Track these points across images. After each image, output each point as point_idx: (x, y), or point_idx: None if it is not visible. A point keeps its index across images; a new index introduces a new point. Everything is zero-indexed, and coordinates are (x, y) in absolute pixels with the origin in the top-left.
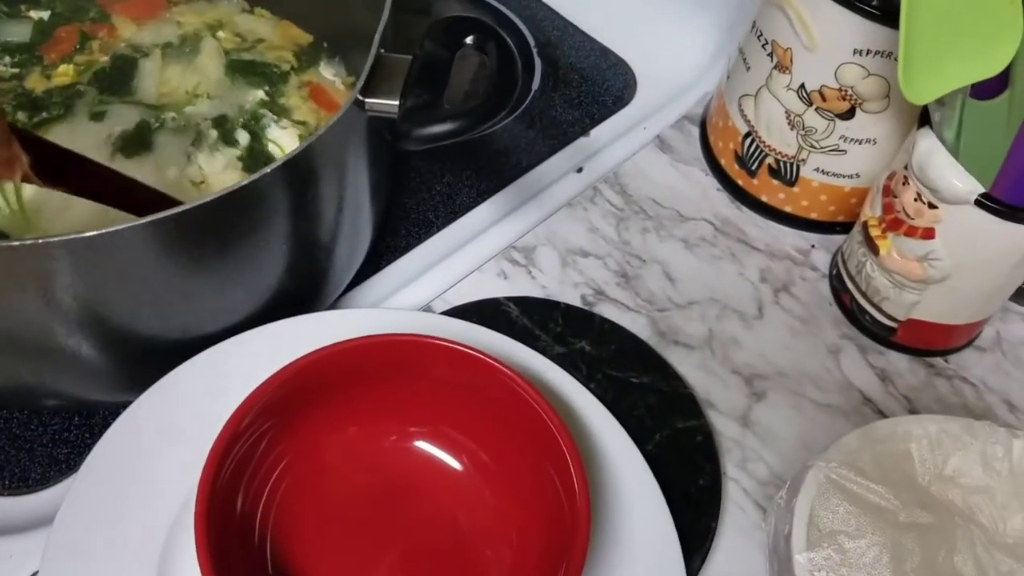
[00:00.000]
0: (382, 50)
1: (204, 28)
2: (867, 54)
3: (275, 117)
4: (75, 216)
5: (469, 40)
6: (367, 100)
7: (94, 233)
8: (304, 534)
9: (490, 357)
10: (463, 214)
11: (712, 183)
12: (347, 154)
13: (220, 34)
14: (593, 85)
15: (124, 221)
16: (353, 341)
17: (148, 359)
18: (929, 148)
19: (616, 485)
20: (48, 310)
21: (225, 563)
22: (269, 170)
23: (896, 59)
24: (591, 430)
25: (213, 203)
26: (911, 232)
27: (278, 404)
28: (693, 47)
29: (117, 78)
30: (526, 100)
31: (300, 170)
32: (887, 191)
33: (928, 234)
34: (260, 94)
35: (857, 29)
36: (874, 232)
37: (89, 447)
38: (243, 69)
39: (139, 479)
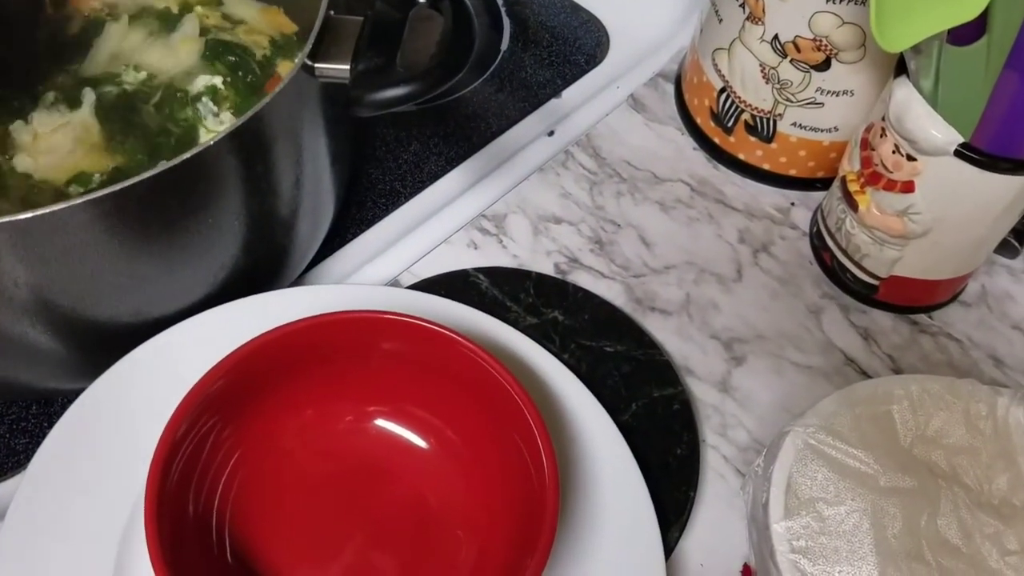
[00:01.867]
0: (331, 12)
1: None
2: (841, 1)
3: (214, 108)
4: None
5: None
6: (317, 65)
7: (30, 215)
8: (264, 524)
9: (448, 329)
10: (431, 183)
11: (688, 142)
12: (300, 123)
13: (200, 9)
14: (564, 44)
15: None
16: (301, 322)
17: (102, 344)
18: (906, 98)
19: (589, 458)
20: None
21: (180, 561)
22: (213, 141)
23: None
24: (563, 402)
25: (156, 178)
26: (890, 186)
27: (223, 395)
28: (667, 4)
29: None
30: (495, 62)
31: (248, 140)
32: (865, 144)
33: (907, 187)
34: (216, 81)
35: None
36: (852, 187)
37: (46, 436)
38: (219, 52)
39: (94, 468)
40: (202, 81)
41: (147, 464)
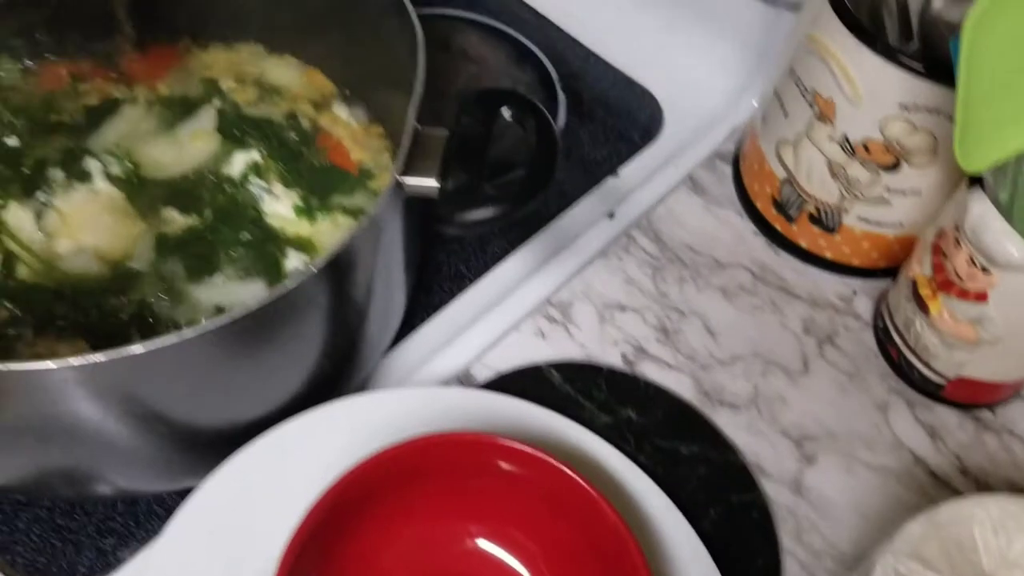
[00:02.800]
0: (418, 125)
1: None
2: (914, 109)
3: (264, 184)
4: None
5: (505, 112)
6: (406, 181)
7: (143, 349)
8: None
9: (553, 457)
10: (495, 265)
11: (748, 226)
12: (385, 235)
13: (229, 84)
14: (619, 118)
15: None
16: (406, 444)
17: (194, 449)
18: (983, 213)
19: (672, 567)
20: (98, 414)
21: None
22: (311, 273)
23: (945, 116)
24: (645, 510)
25: (256, 311)
26: (963, 295)
27: (329, 518)
28: (719, 77)
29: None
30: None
31: (341, 262)
32: (937, 251)
33: (981, 297)
34: (254, 156)
35: (903, 84)
36: (924, 291)
37: (134, 536)
38: (243, 129)
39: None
40: (240, 161)
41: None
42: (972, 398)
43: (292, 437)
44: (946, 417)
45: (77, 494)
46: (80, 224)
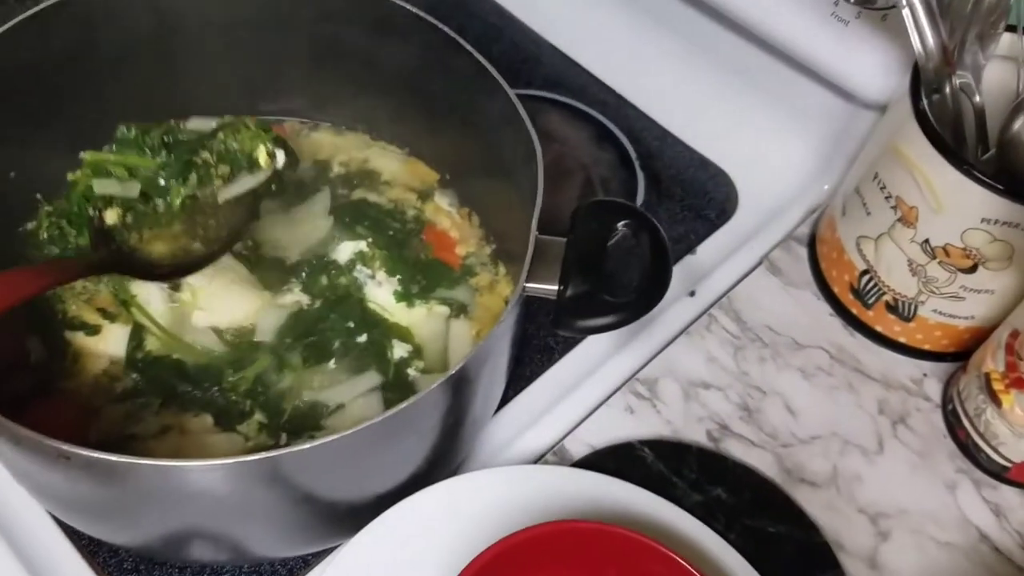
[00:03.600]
0: (538, 232)
1: (319, 172)
2: (995, 223)
3: (369, 272)
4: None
5: (621, 227)
6: (528, 285)
7: (305, 448)
8: None
9: (680, 556)
10: (582, 339)
11: (824, 308)
12: (504, 336)
13: (336, 169)
14: (695, 197)
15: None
16: (538, 528)
17: (321, 523)
18: None
19: None
20: (249, 497)
21: None
22: (435, 386)
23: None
24: None
25: (386, 420)
26: None
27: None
28: (795, 162)
29: None
30: None
31: (469, 370)
32: (1010, 350)
33: None
34: (362, 246)
35: (985, 200)
36: (997, 386)
37: None
38: (356, 216)
39: None
40: (348, 249)
41: None
42: None
43: (413, 514)
44: (1010, 496)
45: (209, 560)
46: (209, 296)
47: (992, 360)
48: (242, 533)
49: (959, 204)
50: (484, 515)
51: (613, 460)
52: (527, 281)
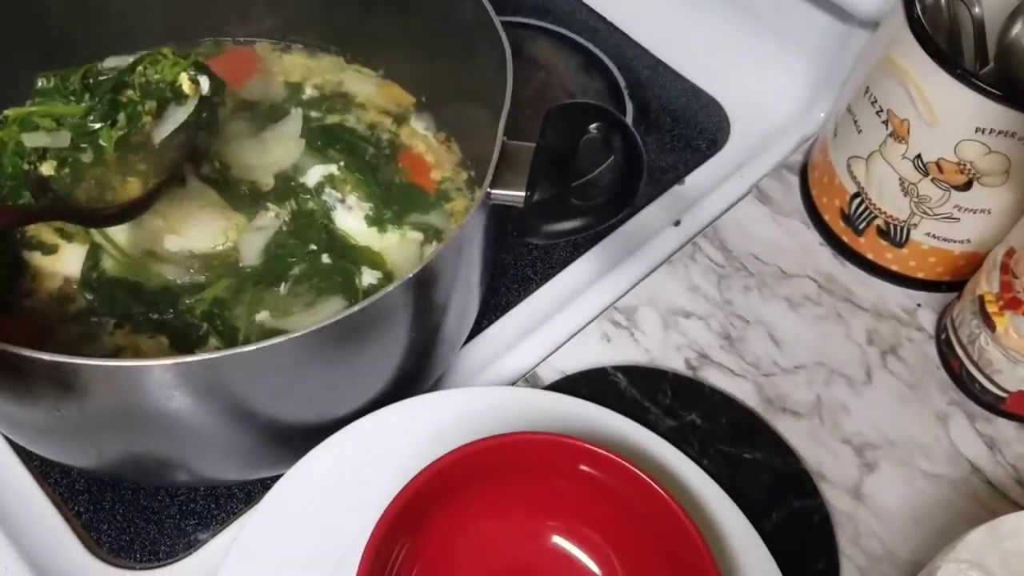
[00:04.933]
0: (505, 138)
1: (292, 95)
2: (990, 132)
3: (339, 196)
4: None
5: (593, 128)
6: (493, 192)
7: (247, 349)
8: None
9: (635, 465)
10: (561, 269)
11: (814, 237)
12: (468, 248)
13: (309, 91)
14: (686, 127)
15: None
16: (495, 439)
17: (280, 443)
18: None
19: (736, 568)
20: (193, 410)
21: None
22: (399, 284)
23: (1020, 138)
24: (709, 512)
25: (343, 319)
26: None
27: (415, 506)
28: (788, 90)
29: None
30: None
31: (427, 276)
32: (1005, 269)
33: None
34: (332, 170)
35: (980, 108)
36: (991, 308)
37: (215, 518)
38: (328, 140)
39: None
40: (317, 172)
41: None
42: None
43: (372, 431)
44: (1006, 430)
45: (164, 481)
46: (180, 220)
47: (986, 282)
48: (195, 452)
49: (952, 114)
50: (446, 435)
51: (585, 385)
52: (493, 187)
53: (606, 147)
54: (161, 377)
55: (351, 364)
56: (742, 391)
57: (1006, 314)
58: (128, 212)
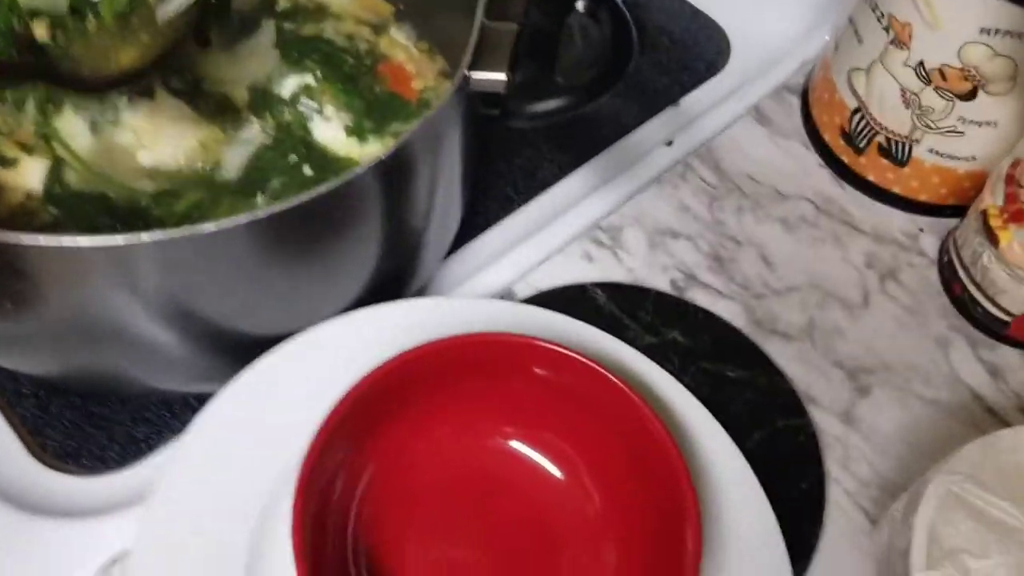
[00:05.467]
0: (485, 19)
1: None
2: (995, 34)
3: (316, 106)
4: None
5: (579, 6)
6: (473, 75)
7: (184, 233)
8: (392, 533)
9: (596, 363)
10: (544, 190)
11: (813, 159)
12: (448, 133)
13: (282, 3)
14: (684, 50)
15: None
16: (451, 339)
17: (233, 354)
18: None
19: (713, 483)
20: (134, 306)
21: (317, 558)
22: (365, 168)
23: None
24: (687, 427)
25: (307, 204)
26: None
27: (367, 405)
28: (791, 10)
29: None
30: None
31: (398, 158)
32: (1011, 180)
33: None
34: (307, 80)
35: (985, 7)
36: (994, 222)
37: (168, 427)
38: (303, 51)
39: (231, 463)
40: (292, 83)
41: (279, 462)
42: None
43: (332, 338)
44: (1009, 357)
45: (110, 388)
46: (152, 134)
47: (991, 195)
48: (145, 355)
49: (956, 14)
50: (410, 344)
51: (562, 301)
52: (473, 69)
53: (595, 25)
54: (109, 259)
55: (320, 259)
56: (730, 312)
57: (1010, 227)
58: (113, 82)
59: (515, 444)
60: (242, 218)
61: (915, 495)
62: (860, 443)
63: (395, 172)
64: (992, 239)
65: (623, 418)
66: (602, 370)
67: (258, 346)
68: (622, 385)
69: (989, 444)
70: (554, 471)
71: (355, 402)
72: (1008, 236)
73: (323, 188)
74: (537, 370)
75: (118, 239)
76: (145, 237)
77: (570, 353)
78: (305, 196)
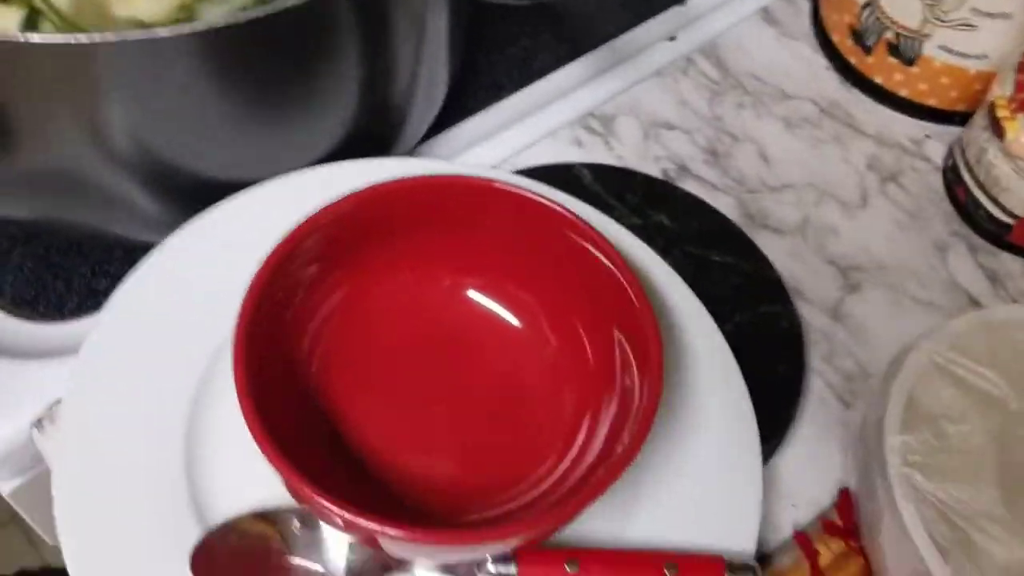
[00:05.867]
0: None
1: None
2: None
3: None
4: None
5: None
6: None
7: (136, 37)
8: (348, 377)
9: (560, 206)
10: (540, 78)
11: (821, 61)
12: None
13: None
14: None
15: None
16: (403, 180)
17: (192, 200)
18: None
19: (689, 359)
20: (88, 138)
21: (263, 397)
22: None
23: None
24: (665, 301)
25: (271, 17)
26: None
27: (326, 240)
28: None
29: None
30: None
31: None
32: (1021, 68)
33: None
34: None
35: None
36: (1001, 113)
37: None
38: None
39: (174, 313)
40: None
41: (228, 314)
42: None
43: (294, 188)
44: (1011, 265)
45: (65, 231)
46: None
47: (999, 86)
48: (99, 195)
49: None
50: None
51: (545, 178)
52: None
53: None
54: (62, 63)
55: (286, 97)
56: (722, 206)
57: (1017, 117)
58: None
59: (474, 294)
60: (198, 24)
61: (895, 365)
62: (846, 339)
63: (369, 7)
64: (998, 131)
65: (587, 264)
66: (565, 212)
67: (220, 194)
68: (584, 225)
69: (980, 318)
70: (513, 320)
71: (303, 240)
72: (1015, 127)
73: (289, 2)
74: (497, 216)
75: (70, 37)
76: (97, 37)
77: (531, 195)
78: (268, 8)
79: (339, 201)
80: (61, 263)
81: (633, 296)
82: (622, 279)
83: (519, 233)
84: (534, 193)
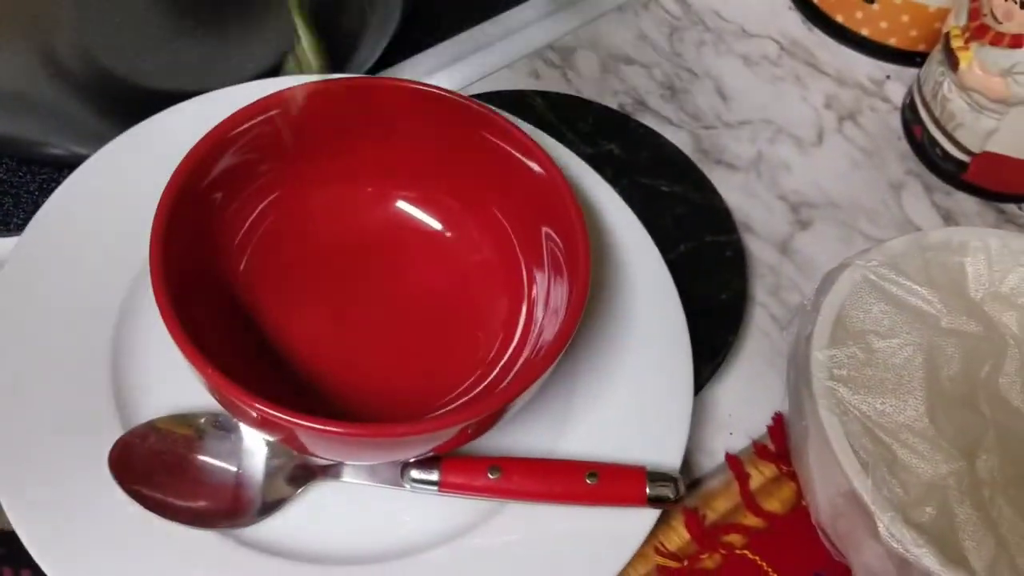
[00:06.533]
0: None
1: None
2: None
3: None
4: None
5: None
6: None
7: None
8: (277, 288)
9: (479, 104)
10: (500, 12)
11: (784, 1)
12: None
13: None
14: None
15: None
16: (327, 81)
17: (138, 115)
18: None
19: (628, 283)
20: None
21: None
22: None
23: None
24: (606, 223)
25: None
26: (997, 40)
27: (246, 145)
28: None
29: None
30: None
31: None
32: None
33: (1016, 42)
34: None
35: None
36: (956, 43)
37: None
38: None
39: (107, 221)
40: None
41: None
42: (998, 183)
43: (230, 102)
44: (966, 204)
45: (15, 148)
46: None
47: (954, 17)
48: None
49: None
50: None
51: (498, 103)
52: None
53: None
54: None
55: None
56: (676, 139)
57: (971, 46)
58: None
59: (403, 204)
60: None
61: (827, 282)
62: (793, 273)
63: None
64: (952, 63)
65: (510, 164)
66: (483, 109)
67: (161, 107)
68: (505, 123)
69: (916, 240)
70: (441, 227)
71: (221, 143)
72: (968, 57)
73: None
74: (419, 119)
75: None
76: None
77: (448, 94)
78: None
79: (257, 102)
80: (8, 180)
81: (558, 191)
82: (545, 175)
83: (441, 138)
84: (452, 92)
